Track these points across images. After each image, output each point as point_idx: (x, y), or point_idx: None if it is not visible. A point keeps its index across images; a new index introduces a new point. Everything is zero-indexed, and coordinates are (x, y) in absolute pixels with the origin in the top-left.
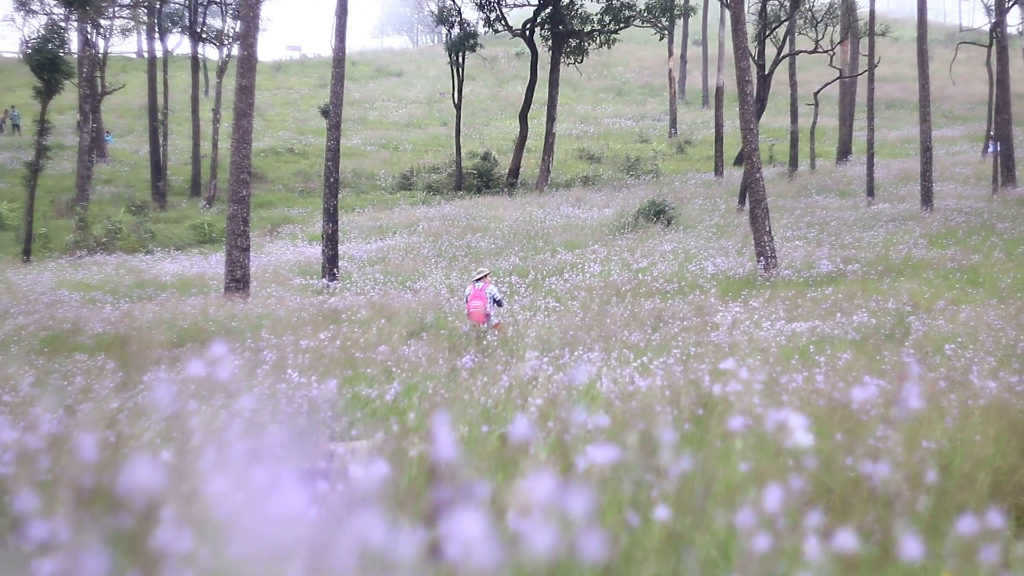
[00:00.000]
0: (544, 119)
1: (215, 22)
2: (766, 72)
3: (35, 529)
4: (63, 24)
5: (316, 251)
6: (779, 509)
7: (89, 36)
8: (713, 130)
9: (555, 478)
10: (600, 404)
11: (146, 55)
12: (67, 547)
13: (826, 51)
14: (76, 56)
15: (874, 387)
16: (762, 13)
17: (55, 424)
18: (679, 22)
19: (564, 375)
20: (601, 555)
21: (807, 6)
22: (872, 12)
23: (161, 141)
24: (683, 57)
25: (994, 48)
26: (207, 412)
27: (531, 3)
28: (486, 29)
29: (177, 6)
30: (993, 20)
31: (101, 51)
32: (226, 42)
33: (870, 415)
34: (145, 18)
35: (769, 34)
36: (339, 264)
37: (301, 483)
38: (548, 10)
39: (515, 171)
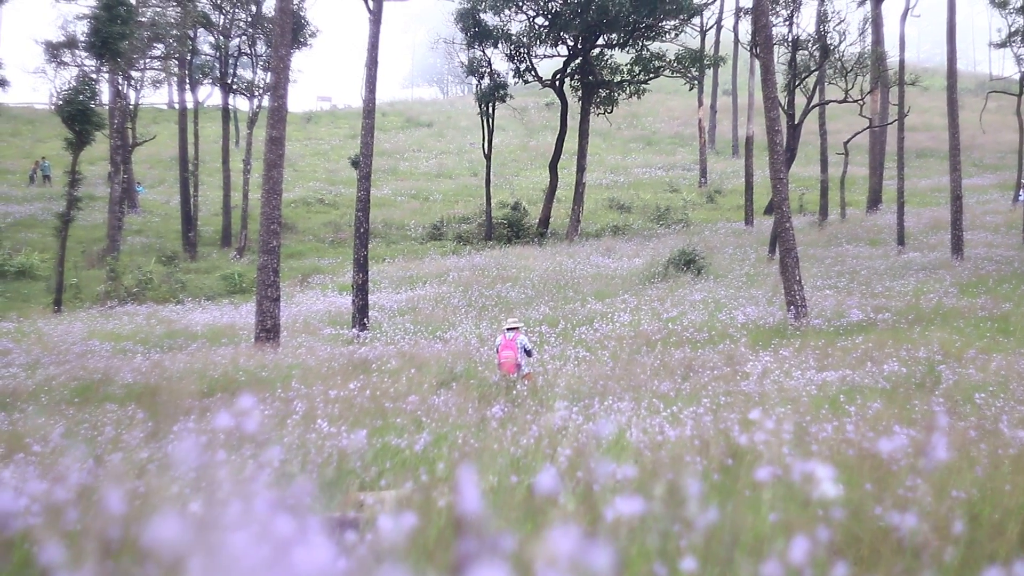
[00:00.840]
0: (574, 169)
1: (246, 73)
2: (796, 121)
3: None
4: (94, 76)
5: (346, 301)
6: (806, 560)
7: (120, 87)
8: (743, 179)
9: (581, 530)
10: (629, 454)
11: (177, 106)
12: None
13: (856, 100)
14: (107, 107)
15: (903, 437)
16: (792, 63)
17: (84, 475)
18: (709, 72)
19: (593, 425)
20: None
21: (837, 56)
22: (902, 62)
23: (192, 192)
24: (713, 107)
25: None
26: (236, 462)
27: (561, 54)
28: (516, 80)
29: (208, 58)
30: (1023, 69)
31: (132, 102)
32: (257, 93)
33: (900, 465)
34: (176, 70)
35: (799, 84)
36: (369, 314)
37: (329, 534)
38: (578, 61)
39: (545, 221)
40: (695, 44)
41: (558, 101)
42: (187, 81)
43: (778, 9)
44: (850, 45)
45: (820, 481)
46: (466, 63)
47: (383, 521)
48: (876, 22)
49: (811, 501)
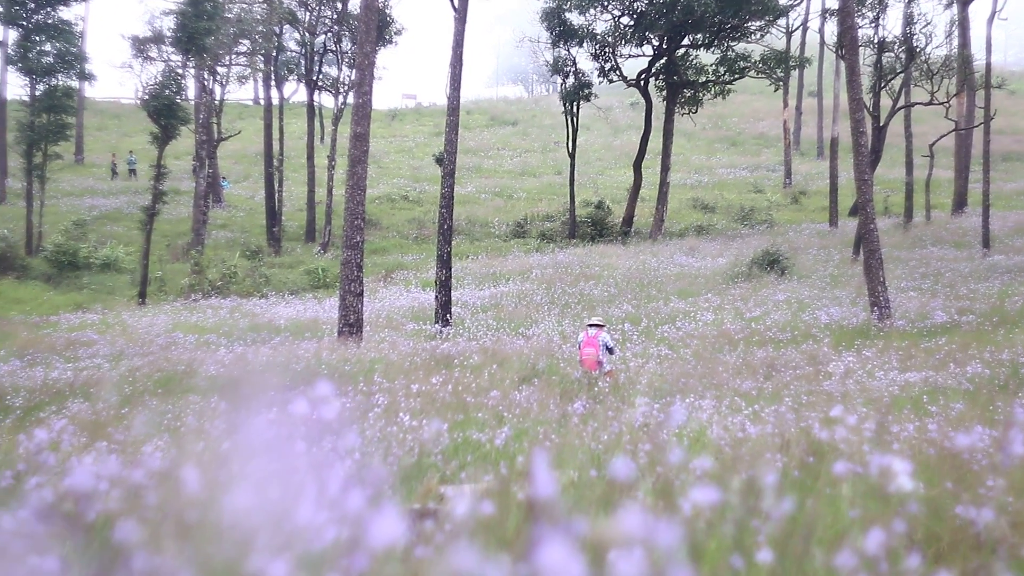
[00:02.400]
0: (658, 168)
1: (331, 70)
2: (881, 123)
3: (138, 560)
4: (180, 71)
5: (429, 297)
6: (882, 552)
7: (206, 83)
8: (828, 181)
9: (656, 517)
10: (710, 451)
11: (262, 102)
12: (166, 574)
13: (942, 103)
14: (193, 102)
15: (986, 437)
16: (877, 65)
17: (165, 462)
18: (794, 73)
19: (667, 416)
20: None
21: (923, 58)
22: (988, 65)
23: (276, 187)
24: (798, 108)
25: None
26: (317, 453)
27: (646, 54)
28: (601, 79)
29: (293, 54)
30: None
31: (217, 98)
32: (342, 90)
33: (981, 465)
34: (261, 66)
35: (884, 86)
36: (452, 310)
37: (408, 523)
38: (663, 61)
39: (629, 220)
40: (781, 45)
41: (643, 101)
42: (272, 77)
43: (864, 11)
44: (936, 47)
45: (897, 475)
46: (551, 62)
47: (460, 509)
48: (963, 25)
49: (888, 495)
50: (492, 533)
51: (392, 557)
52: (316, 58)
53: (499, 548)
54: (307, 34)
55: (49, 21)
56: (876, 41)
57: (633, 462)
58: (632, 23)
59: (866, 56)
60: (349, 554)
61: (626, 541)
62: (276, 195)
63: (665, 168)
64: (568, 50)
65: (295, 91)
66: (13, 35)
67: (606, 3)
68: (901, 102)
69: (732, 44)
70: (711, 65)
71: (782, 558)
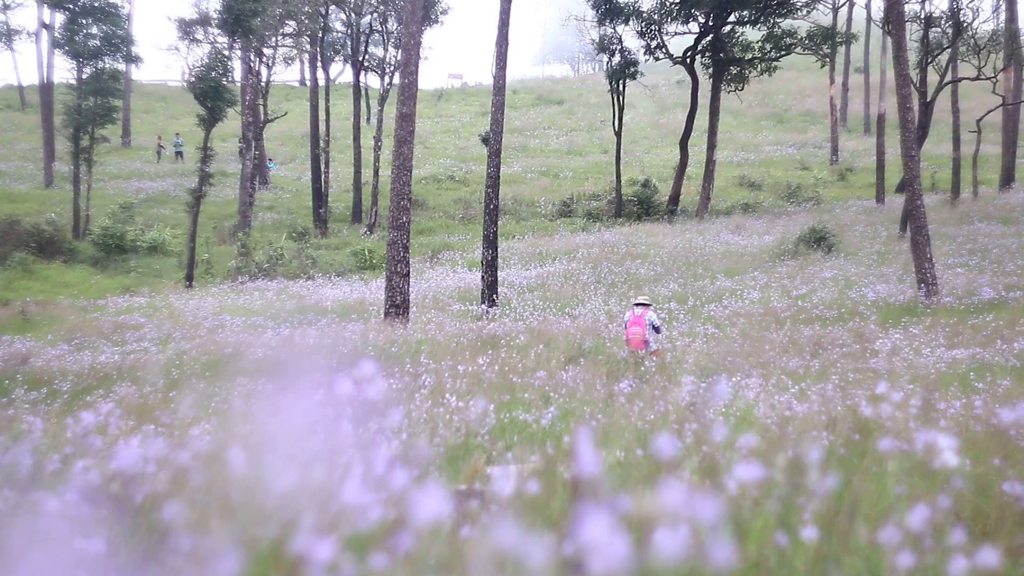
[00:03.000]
0: (704, 146)
1: (377, 51)
2: (928, 99)
3: (183, 541)
4: (226, 53)
5: (475, 277)
6: (926, 529)
7: (252, 65)
8: (874, 157)
9: (699, 494)
10: (756, 429)
11: (308, 83)
12: (211, 555)
13: (989, 78)
14: (239, 84)
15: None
16: (924, 40)
17: (212, 444)
18: (840, 50)
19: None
20: (733, 562)
21: (970, 33)
22: None
23: (323, 168)
24: (845, 84)
25: None
26: (364, 434)
27: (692, 31)
28: (647, 57)
29: (339, 35)
30: None
31: (264, 79)
32: (388, 71)
33: None
34: (308, 47)
35: (931, 61)
36: (498, 290)
37: (454, 502)
38: (709, 38)
39: (675, 198)
40: (827, 21)
41: (689, 78)
42: (318, 58)
43: None
44: (983, 22)
45: (942, 451)
46: (597, 41)
47: (505, 488)
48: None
49: (933, 471)
50: (537, 512)
51: (437, 536)
52: (362, 39)
53: (544, 527)
54: (353, 14)
55: (95, 4)
56: (923, 16)
57: (679, 441)
58: (678, 1)
59: (913, 31)
60: (394, 534)
61: (669, 517)
62: (322, 176)
63: (711, 146)
64: (614, 28)
65: (341, 72)
66: (60, 18)
67: None
68: (948, 77)
69: (778, 20)
70: (757, 42)
71: (827, 535)
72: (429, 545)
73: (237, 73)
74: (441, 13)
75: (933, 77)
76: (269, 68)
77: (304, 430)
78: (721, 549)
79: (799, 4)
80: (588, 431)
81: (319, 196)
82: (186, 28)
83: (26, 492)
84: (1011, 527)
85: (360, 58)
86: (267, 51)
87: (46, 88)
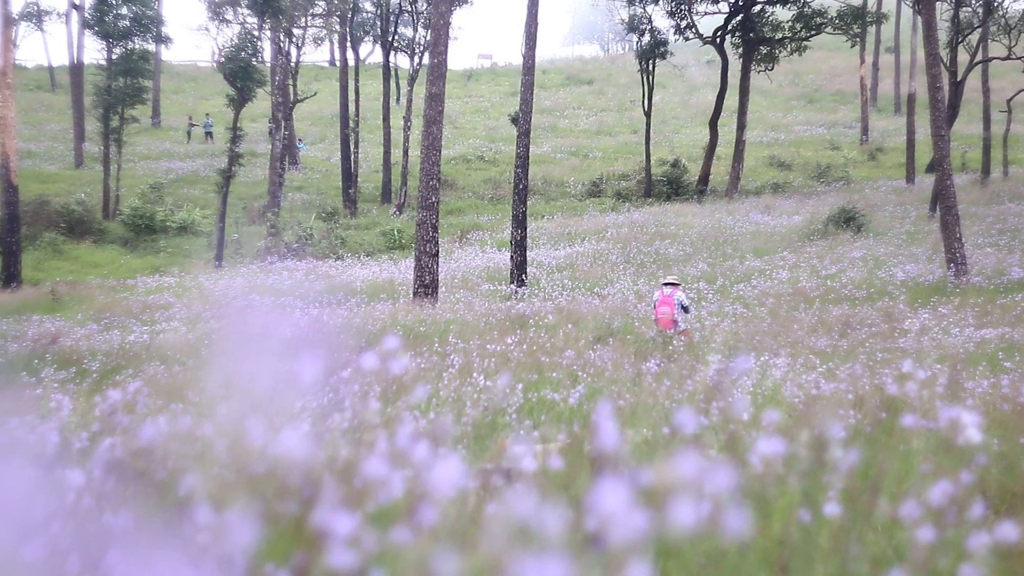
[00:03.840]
0: (734, 126)
1: (406, 31)
2: (958, 79)
3: (204, 514)
4: (256, 33)
5: (504, 257)
6: (948, 504)
7: (281, 45)
8: (905, 137)
9: (717, 465)
10: (784, 408)
11: (338, 64)
12: (231, 527)
13: (1020, 58)
14: (268, 64)
15: None
16: (954, 20)
17: (237, 421)
18: (871, 29)
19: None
20: (745, 531)
21: (1001, 12)
22: None
23: (352, 148)
24: (875, 64)
25: None
26: (390, 412)
27: (722, 11)
28: (677, 37)
29: (369, 15)
30: None
31: (293, 60)
32: (417, 51)
33: None
34: (337, 27)
35: (961, 40)
36: (527, 270)
37: (480, 479)
38: (739, 18)
39: (705, 178)
40: (857, 1)
41: (719, 58)
42: (348, 39)
43: None
44: (1014, 1)
45: (966, 427)
46: (626, 20)
47: (529, 465)
48: None
49: (955, 448)
50: (560, 487)
51: (461, 511)
52: (391, 19)
53: (566, 501)
54: None
55: None
56: None
57: (706, 419)
58: None
59: (943, 11)
60: (416, 508)
61: (685, 487)
62: (352, 157)
63: (741, 126)
64: (643, 8)
65: (371, 52)
66: None
67: None
68: (978, 57)
69: (808, 0)
70: (787, 21)
71: (850, 511)
72: (452, 519)
73: (267, 53)
74: None
75: (963, 57)
76: (299, 48)
77: (330, 407)
78: (736, 519)
79: None
80: (610, 407)
81: (349, 176)
82: (216, 8)
83: (52, 469)
84: None
85: (390, 38)
86: (296, 31)
87: (76, 69)
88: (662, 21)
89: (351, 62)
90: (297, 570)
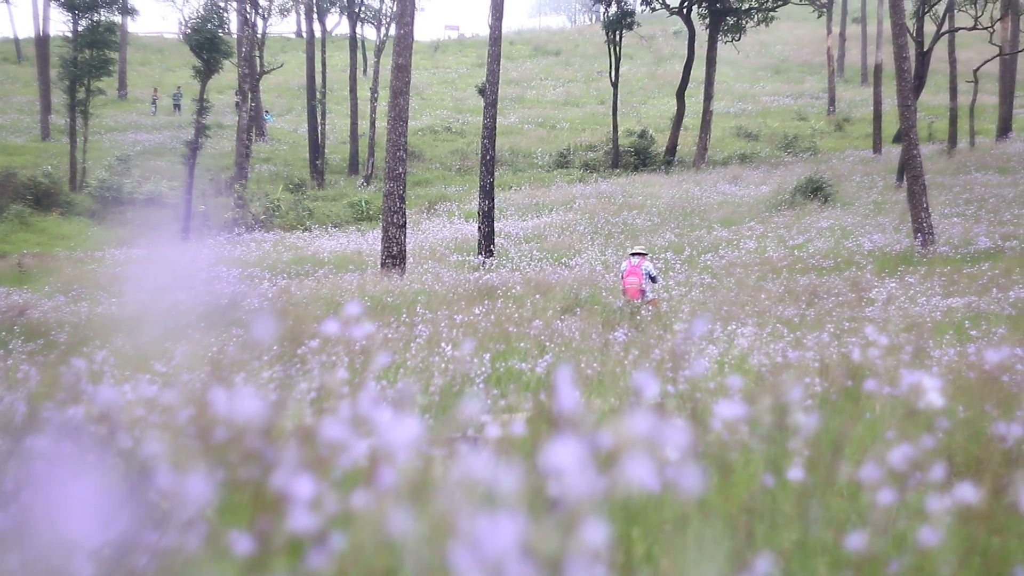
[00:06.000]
0: (701, 97)
1: (373, 2)
2: (925, 49)
3: (162, 476)
4: (222, 4)
5: (472, 228)
6: (908, 467)
7: (248, 16)
8: (872, 108)
9: (672, 423)
10: (751, 376)
11: (305, 35)
12: (191, 491)
13: (986, 28)
14: (235, 36)
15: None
16: None
17: (202, 389)
18: (838, 0)
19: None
20: (704, 490)
21: None
22: None
23: (319, 120)
24: (842, 35)
25: None
26: (356, 382)
27: None
28: (644, 8)
29: None
30: None
31: (260, 31)
32: (384, 22)
33: (1022, 386)
34: None
35: (928, 11)
36: (495, 241)
37: (446, 447)
38: None
39: (672, 149)
40: None
41: (686, 29)
42: (315, 10)
43: None
44: None
45: (927, 392)
46: None
47: (493, 432)
48: None
49: (918, 412)
50: (522, 452)
51: (423, 475)
52: None
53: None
54: None
55: None
56: None
57: (673, 387)
58: None
59: None
60: (377, 471)
61: (640, 444)
62: (319, 128)
63: (708, 97)
64: None
65: (338, 23)
66: None
67: None
68: (945, 27)
69: None
70: None
71: (813, 475)
72: (412, 482)
73: (233, 25)
74: None
75: (930, 27)
76: (265, 20)
77: (298, 376)
78: (690, 477)
79: None
80: (569, 371)
81: (316, 148)
82: None
83: (20, 438)
84: (996, 467)
85: (356, 9)
86: (263, 2)
87: (42, 41)
88: None
89: (318, 33)
90: (259, 533)
